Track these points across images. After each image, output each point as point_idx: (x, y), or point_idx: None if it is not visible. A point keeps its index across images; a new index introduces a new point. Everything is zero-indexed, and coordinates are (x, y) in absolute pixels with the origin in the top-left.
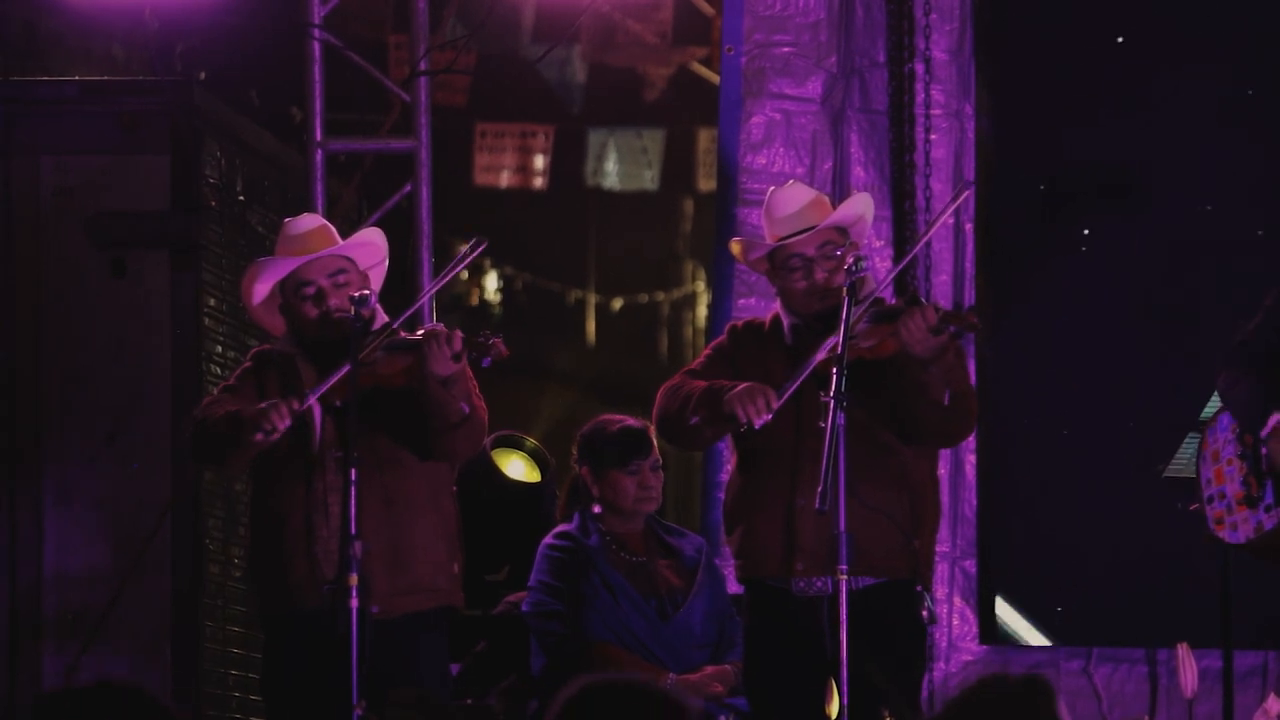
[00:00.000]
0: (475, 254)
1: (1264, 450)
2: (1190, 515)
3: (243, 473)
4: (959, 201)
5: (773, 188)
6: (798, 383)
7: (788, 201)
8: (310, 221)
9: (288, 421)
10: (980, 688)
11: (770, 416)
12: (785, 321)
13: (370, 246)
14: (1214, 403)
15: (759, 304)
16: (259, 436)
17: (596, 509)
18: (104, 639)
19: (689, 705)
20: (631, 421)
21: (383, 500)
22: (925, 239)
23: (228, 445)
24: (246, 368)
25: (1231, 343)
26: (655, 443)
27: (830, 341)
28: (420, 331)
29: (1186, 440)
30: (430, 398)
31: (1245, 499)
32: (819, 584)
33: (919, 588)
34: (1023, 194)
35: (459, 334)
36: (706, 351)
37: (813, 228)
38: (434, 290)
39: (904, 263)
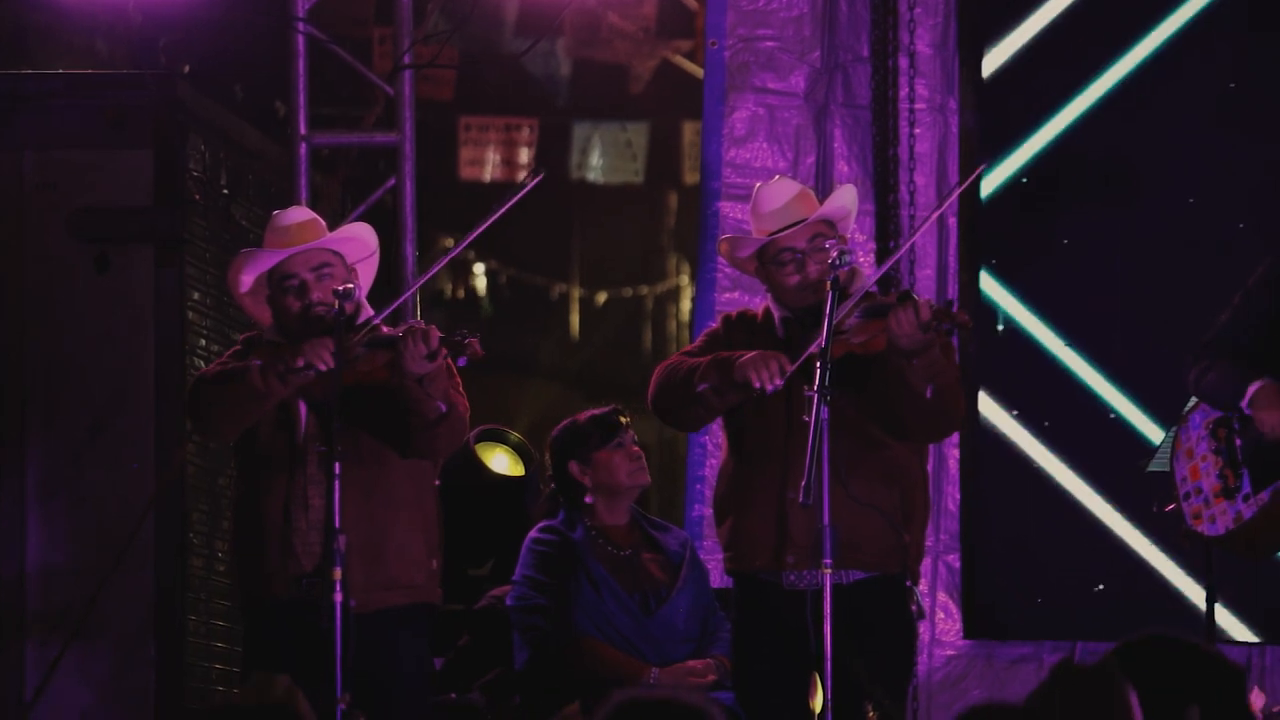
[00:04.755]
0: (532, 184)
1: (1238, 440)
2: (1168, 514)
3: (232, 438)
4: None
5: (758, 184)
6: (806, 354)
7: (775, 196)
8: (298, 214)
9: (330, 363)
10: (1052, 679)
11: (782, 383)
12: (776, 315)
13: (357, 241)
14: (1190, 400)
15: (743, 298)
16: (299, 362)
17: (589, 499)
18: (87, 634)
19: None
20: (597, 409)
21: (363, 495)
22: (937, 212)
23: (236, 388)
24: (237, 350)
25: (1200, 341)
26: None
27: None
28: (399, 328)
29: (1167, 435)
30: (407, 395)
31: (1223, 491)
32: (809, 578)
33: (909, 582)
34: (1005, 188)
35: (435, 332)
36: (701, 337)
37: (802, 221)
38: (445, 262)
39: (903, 250)
